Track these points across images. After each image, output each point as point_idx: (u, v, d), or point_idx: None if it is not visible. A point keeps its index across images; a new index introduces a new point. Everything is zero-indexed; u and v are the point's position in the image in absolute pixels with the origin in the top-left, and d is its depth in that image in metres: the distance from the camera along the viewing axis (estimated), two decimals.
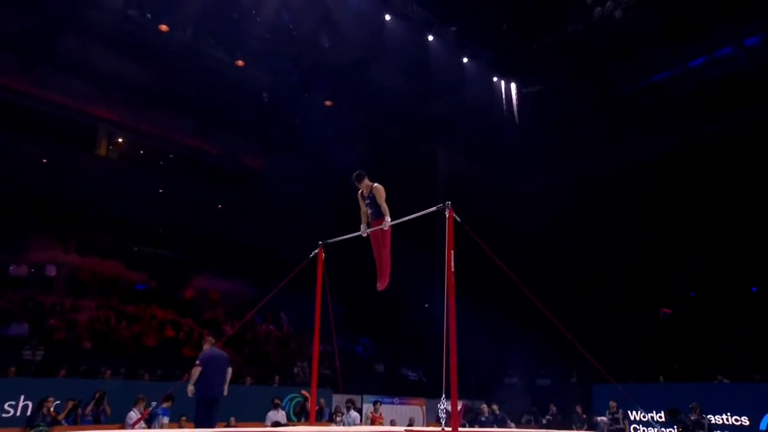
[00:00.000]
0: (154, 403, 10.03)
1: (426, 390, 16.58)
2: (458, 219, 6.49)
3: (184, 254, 20.07)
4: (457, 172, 20.99)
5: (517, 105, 18.70)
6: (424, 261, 19.83)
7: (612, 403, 12.66)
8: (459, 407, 10.18)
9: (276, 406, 11.39)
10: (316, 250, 8.09)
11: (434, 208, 6.69)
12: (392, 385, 16.64)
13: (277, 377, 13.79)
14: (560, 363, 16.75)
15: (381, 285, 7.24)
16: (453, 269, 6.20)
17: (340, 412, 12.11)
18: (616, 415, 12.57)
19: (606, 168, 19.78)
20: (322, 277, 8.08)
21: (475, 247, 7.21)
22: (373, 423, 12.18)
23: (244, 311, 17.92)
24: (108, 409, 10.23)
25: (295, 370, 15.15)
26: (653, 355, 17.13)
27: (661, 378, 15.16)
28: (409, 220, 7.10)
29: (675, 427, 11.21)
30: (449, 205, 6.43)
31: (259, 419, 11.50)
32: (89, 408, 10.16)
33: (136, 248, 19.33)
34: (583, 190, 19.41)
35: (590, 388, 14.72)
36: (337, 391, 14.29)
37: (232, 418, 10.86)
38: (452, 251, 6.28)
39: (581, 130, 19.46)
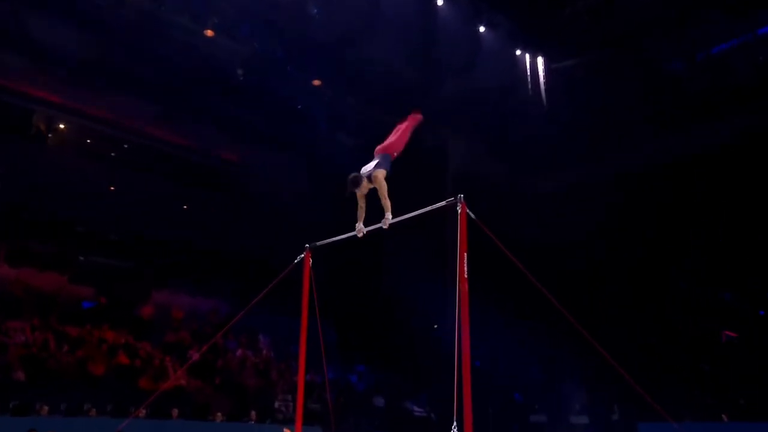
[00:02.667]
0: None
1: (434, 428, 16.43)
2: (472, 215, 6.39)
3: (140, 264, 19.90)
4: (472, 169, 20.87)
5: (545, 84, 18.60)
6: (431, 273, 19.72)
7: None
8: None
9: None
10: (302, 255, 7.96)
11: (444, 203, 6.61)
12: (394, 423, 16.49)
13: (253, 413, 13.60)
14: (599, 396, 16.58)
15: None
16: (466, 276, 6.09)
17: None
18: None
19: (652, 161, 19.66)
20: (309, 287, 7.94)
21: (491, 255, 7.13)
22: None
23: (216, 333, 17.85)
24: None
25: (277, 404, 14.99)
26: (714, 388, 16.93)
27: (724, 417, 14.96)
28: (413, 218, 7.09)
29: None
30: (461, 199, 6.34)
31: None
32: None
33: (81, 257, 19.17)
34: (624, 187, 19.28)
35: (635, 427, 14.57)
36: (327, 430, 14.13)
37: None
38: (465, 254, 6.17)
39: (621, 115, 19.35)
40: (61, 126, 20.70)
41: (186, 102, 19.95)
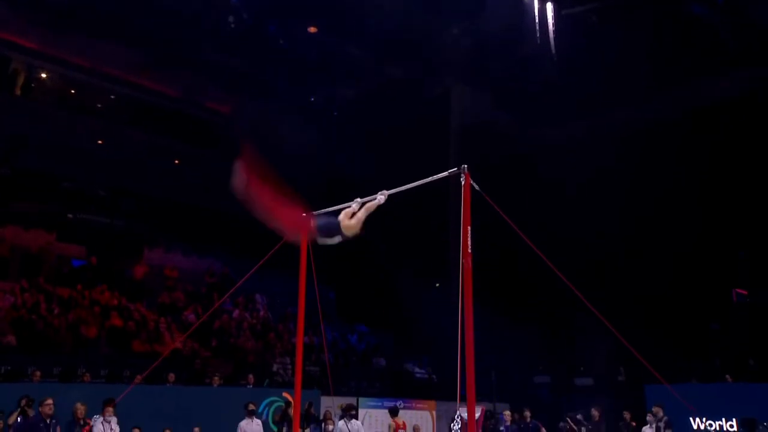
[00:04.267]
0: (97, 417, 10.02)
1: (436, 390, 16.75)
2: (476, 187, 6.37)
3: (132, 222, 20.00)
4: (477, 121, 20.74)
5: (554, 31, 18.29)
6: (434, 229, 19.83)
7: (656, 408, 12.73)
8: (477, 414, 10.28)
9: (250, 414, 11.35)
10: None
11: (446, 173, 6.55)
12: (395, 384, 16.79)
13: (251, 376, 13.81)
14: (604, 357, 16.84)
15: None
16: (470, 249, 6.11)
17: (331, 419, 12.22)
18: (659, 423, 12.66)
19: (669, 113, 19.48)
20: (307, 254, 7.97)
21: (498, 218, 7.12)
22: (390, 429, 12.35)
23: (210, 293, 18.03)
24: None
25: (275, 367, 15.21)
26: (723, 348, 17.17)
27: (728, 377, 15.19)
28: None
29: None
30: (466, 170, 6.28)
31: (230, 428, 11.56)
32: (13, 418, 10.18)
33: (70, 215, 19.25)
34: (634, 140, 19.17)
35: (642, 389, 14.80)
36: (326, 393, 14.42)
37: (197, 429, 10.90)
38: (469, 227, 6.17)
39: (637, 63, 19.07)
40: (43, 75, 20.49)
41: (175, 50, 19.70)
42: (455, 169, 6.41)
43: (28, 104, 19.77)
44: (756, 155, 18.14)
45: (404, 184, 7.04)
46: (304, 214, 7.20)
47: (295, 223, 7.09)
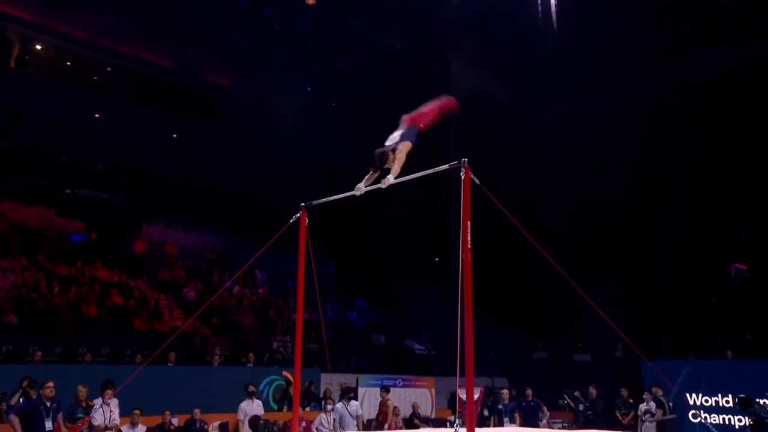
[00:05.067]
0: (97, 401, 10.06)
1: (436, 366, 16.90)
2: (477, 181, 6.31)
3: (131, 197, 19.97)
4: (477, 94, 20.55)
5: (555, 4, 18.04)
6: (435, 203, 19.81)
7: (655, 389, 12.84)
8: (476, 397, 10.38)
9: (251, 395, 11.44)
10: (298, 215, 7.90)
11: (447, 166, 6.48)
12: (394, 361, 16.90)
13: (251, 355, 13.88)
14: (602, 334, 16.93)
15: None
16: (470, 245, 6.07)
17: (331, 398, 12.32)
18: (660, 399, 12.78)
19: (668, 88, 19.32)
20: (305, 244, 7.94)
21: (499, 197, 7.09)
22: (381, 410, 12.47)
23: (210, 269, 18.07)
24: None
25: (275, 345, 15.29)
26: (722, 324, 17.24)
27: (729, 353, 15.27)
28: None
29: (747, 419, 11.39)
30: (466, 163, 6.22)
31: (231, 409, 11.63)
32: (15, 399, 10.19)
33: (68, 190, 19.20)
34: (634, 114, 19.06)
35: (639, 365, 14.87)
36: (325, 370, 14.54)
37: (197, 410, 10.94)
38: (469, 222, 6.12)
39: (637, 36, 18.84)
40: (38, 47, 20.29)
41: (171, 21, 19.46)
42: (456, 162, 6.34)
43: (23, 77, 19.61)
44: (757, 130, 18.04)
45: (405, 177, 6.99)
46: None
47: (423, 118, 7.16)
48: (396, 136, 6.88)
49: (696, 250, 18.55)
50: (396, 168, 6.78)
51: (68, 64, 21.02)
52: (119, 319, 14.29)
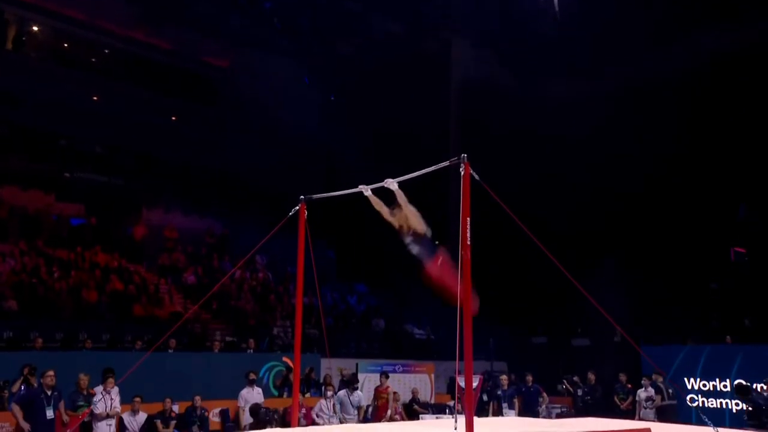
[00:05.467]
0: (98, 389, 10.09)
1: (435, 350, 16.94)
2: (476, 176, 6.26)
3: (130, 181, 19.93)
4: (478, 76, 20.41)
5: None
6: (435, 186, 19.71)
7: (655, 375, 12.89)
8: (475, 384, 10.42)
9: (251, 383, 11.45)
10: (297, 207, 7.86)
11: (447, 163, 6.43)
12: (394, 346, 16.95)
13: (252, 341, 13.92)
14: (601, 318, 16.94)
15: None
16: (469, 242, 6.04)
17: (331, 384, 12.38)
18: (661, 384, 12.84)
19: (669, 68, 19.16)
20: (305, 237, 7.90)
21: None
22: (377, 397, 12.52)
23: (210, 254, 18.07)
24: None
25: (275, 330, 15.31)
26: (720, 309, 17.26)
27: (728, 338, 15.31)
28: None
29: (744, 406, 11.45)
30: (465, 159, 6.17)
31: (231, 395, 11.65)
32: (16, 386, 10.17)
33: (67, 174, 19.16)
34: (635, 96, 18.93)
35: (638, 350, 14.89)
36: (325, 356, 14.60)
37: (197, 397, 10.98)
38: (468, 219, 6.08)
39: (639, 16, 18.69)
40: (35, 28, 20.14)
41: (170, 3, 19.30)
42: (456, 158, 6.29)
43: (20, 59, 19.47)
44: (758, 111, 17.94)
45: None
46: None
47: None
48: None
49: (695, 234, 18.55)
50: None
51: (66, 45, 20.88)
52: (119, 305, 14.30)
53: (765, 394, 11.20)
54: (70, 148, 19.62)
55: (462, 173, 6.09)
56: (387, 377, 12.87)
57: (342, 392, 11.75)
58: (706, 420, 6.78)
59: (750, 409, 11.18)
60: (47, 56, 20.15)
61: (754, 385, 12.84)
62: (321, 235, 16.84)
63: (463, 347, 5.48)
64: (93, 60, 21.24)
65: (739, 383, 11.93)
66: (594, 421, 9.07)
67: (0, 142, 18.24)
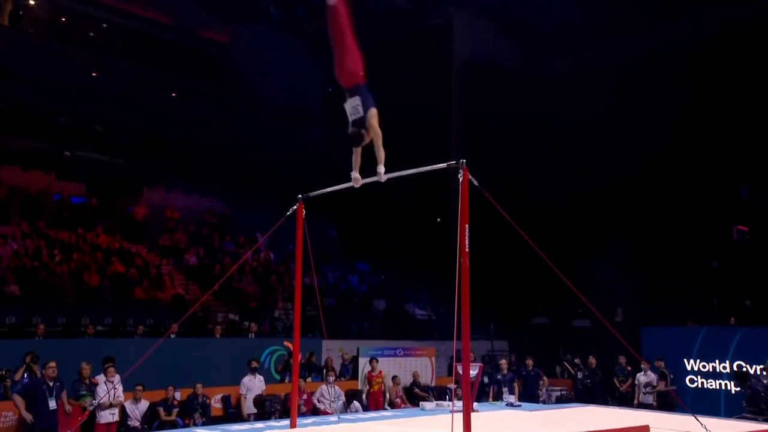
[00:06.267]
0: (100, 378, 10.11)
1: (436, 330, 16.97)
2: (475, 182, 6.15)
3: (131, 159, 19.79)
4: (481, 53, 20.12)
5: None
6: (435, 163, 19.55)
7: (658, 362, 12.88)
8: (475, 373, 10.37)
9: (253, 371, 11.42)
10: (294, 207, 7.78)
11: (444, 165, 6.30)
12: (395, 326, 16.96)
13: (253, 324, 13.87)
14: (602, 298, 16.92)
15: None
16: (467, 248, 5.95)
17: (332, 369, 12.41)
18: (665, 370, 12.83)
19: (670, 45, 18.88)
20: (302, 236, 7.83)
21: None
22: (370, 383, 12.53)
23: (211, 234, 18.01)
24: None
25: (276, 312, 15.27)
26: (722, 289, 17.20)
27: (732, 320, 15.24)
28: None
29: (743, 393, 11.47)
30: (464, 164, 6.06)
31: (233, 381, 11.61)
32: (19, 375, 10.10)
33: (67, 152, 19.03)
34: (637, 72, 18.67)
35: (638, 331, 14.89)
36: (326, 337, 14.61)
37: (199, 385, 10.97)
38: (467, 225, 5.99)
39: None
40: (31, 2, 19.84)
41: None
42: (454, 162, 6.17)
43: (18, 35, 19.20)
44: (760, 87, 17.69)
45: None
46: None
47: (355, 67, 6.27)
48: (356, 105, 6.25)
49: (697, 213, 18.41)
50: (378, 143, 6.44)
51: (63, 20, 20.58)
52: (121, 288, 14.26)
53: (764, 381, 11.21)
54: (69, 126, 19.44)
55: (461, 179, 6.00)
56: (377, 362, 12.78)
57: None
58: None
59: (748, 395, 11.23)
60: (45, 32, 19.86)
61: (753, 368, 12.97)
62: (323, 212, 16.72)
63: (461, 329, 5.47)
64: (91, 35, 20.94)
65: (738, 371, 11.95)
66: (594, 412, 9.11)
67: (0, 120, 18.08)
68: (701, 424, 6.74)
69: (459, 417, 5.24)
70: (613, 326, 16.48)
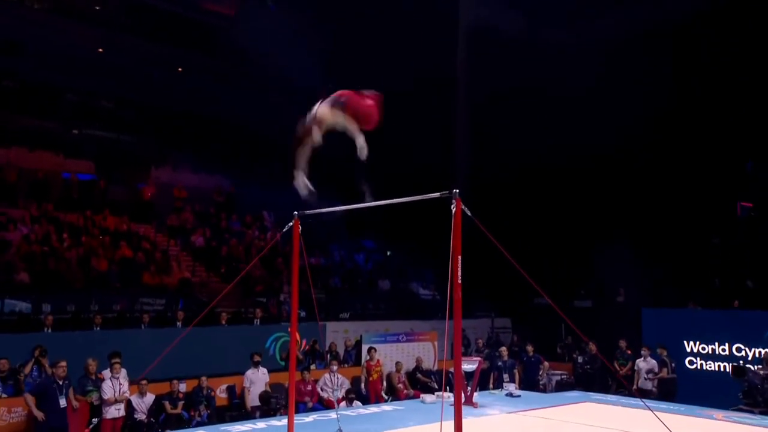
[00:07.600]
0: (106, 374, 10.15)
1: (440, 310, 16.96)
2: (468, 212, 6.00)
3: (139, 137, 19.64)
4: (486, 22, 19.55)
5: None
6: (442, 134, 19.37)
7: (660, 350, 12.82)
8: (474, 367, 10.34)
9: (256, 365, 11.32)
10: (291, 223, 7.67)
11: (437, 194, 6.14)
12: (400, 307, 16.92)
13: (259, 311, 13.81)
14: (604, 279, 16.85)
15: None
16: (460, 280, 5.86)
17: (336, 356, 12.43)
18: (666, 357, 12.78)
19: (672, 16, 18.26)
20: (299, 253, 7.75)
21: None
22: (369, 373, 12.58)
23: (218, 214, 17.93)
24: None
25: (282, 296, 15.19)
26: (723, 267, 17.01)
27: (735, 303, 15.08)
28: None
29: (740, 386, 11.41)
30: (457, 194, 5.90)
31: (238, 370, 11.62)
32: (27, 368, 10.13)
33: (75, 130, 18.90)
34: (644, 44, 18.14)
35: (639, 312, 14.80)
36: (330, 319, 14.62)
37: (204, 377, 10.93)
38: (459, 257, 5.87)
39: None
40: None
41: None
42: (446, 192, 6.01)
43: (23, 10, 18.89)
44: (764, 60, 17.18)
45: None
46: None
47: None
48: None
49: (701, 187, 18.10)
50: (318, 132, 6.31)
51: None
52: (129, 273, 14.24)
53: (761, 373, 11.16)
54: (77, 103, 19.26)
55: (453, 210, 5.85)
56: (375, 351, 12.75)
57: None
58: None
59: (746, 389, 11.18)
60: (50, 7, 19.51)
61: (752, 351, 12.94)
62: (329, 189, 16.51)
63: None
64: (97, 9, 20.57)
65: (736, 365, 11.87)
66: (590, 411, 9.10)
67: (6, 98, 17.88)
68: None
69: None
70: (614, 306, 16.52)
